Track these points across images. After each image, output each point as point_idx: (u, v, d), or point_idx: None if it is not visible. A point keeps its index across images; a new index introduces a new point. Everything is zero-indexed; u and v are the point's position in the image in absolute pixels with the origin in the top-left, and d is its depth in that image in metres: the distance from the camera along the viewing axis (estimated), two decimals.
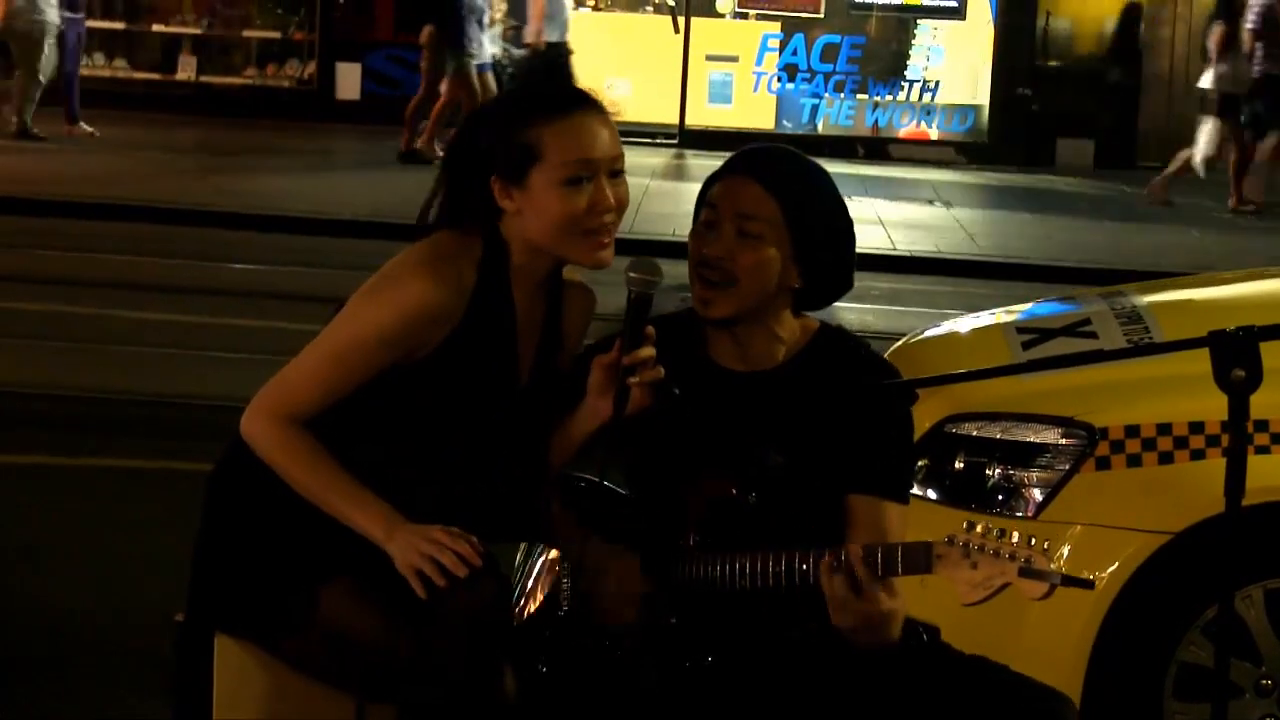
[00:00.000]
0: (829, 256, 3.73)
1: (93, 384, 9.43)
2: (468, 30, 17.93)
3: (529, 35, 18.76)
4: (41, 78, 18.20)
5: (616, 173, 3.60)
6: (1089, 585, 3.56)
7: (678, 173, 18.66)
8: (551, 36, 18.71)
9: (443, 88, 17.98)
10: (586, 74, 18.29)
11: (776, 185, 3.65)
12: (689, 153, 19.82)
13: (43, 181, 15.73)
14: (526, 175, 3.55)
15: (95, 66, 21.64)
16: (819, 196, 3.72)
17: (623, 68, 21.34)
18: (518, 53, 19.12)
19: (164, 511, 7.00)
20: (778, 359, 3.73)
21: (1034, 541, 3.28)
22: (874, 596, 3.37)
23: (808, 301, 3.76)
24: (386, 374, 3.58)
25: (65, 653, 5.82)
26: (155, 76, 21.67)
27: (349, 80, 20.92)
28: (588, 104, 3.62)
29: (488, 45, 18.40)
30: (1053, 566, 3.25)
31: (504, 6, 19.33)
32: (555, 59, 18.70)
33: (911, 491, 3.81)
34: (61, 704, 5.41)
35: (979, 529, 3.30)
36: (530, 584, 3.84)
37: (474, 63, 18.05)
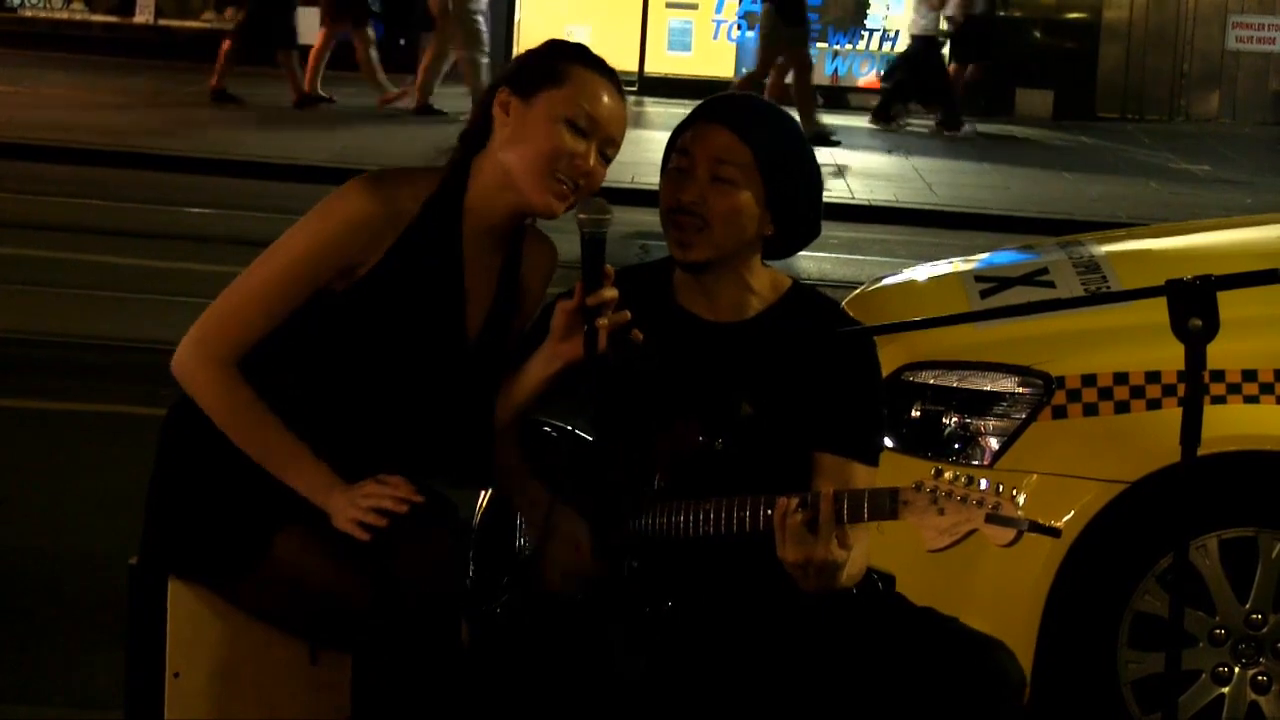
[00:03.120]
0: (800, 202, 3.75)
1: (47, 328, 9.41)
2: (801, 8, 18.72)
3: (951, 8, 20.21)
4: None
5: (605, 155, 3.64)
6: (1055, 533, 3.55)
7: (636, 120, 18.60)
8: (975, 9, 20.47)
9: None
10: (546, 21, 18.16)
11: (748, 132, 3.67)
12: (648, 100, 19.79)
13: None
14: (537, 93, 3.60)
15: (53, 9, 21.49)
16: (789, 143, 3.75)
17: (582, 14, 21.28)
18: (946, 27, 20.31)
19: (116, 456, 6.98)
20: (748, 312, 3.74)
21: (1002, 488, 3.27)
22: (827, 540, 3.36)
23: (776, 249, 3.77)
24: (325, 298, 3.59)
25: (17, 598, 5.79)
26: (113, 19, 21.50)
27: (310, 25, 20.72)
28: (621, 86, 3.70)
29: None
30: (1020, 513, 3.25)
31: None
32: (985, 28, 20.47)
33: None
34: (12, 649, 5.38)
35: (947, 476, 3.29)
36: (487, 529, 3.83)
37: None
